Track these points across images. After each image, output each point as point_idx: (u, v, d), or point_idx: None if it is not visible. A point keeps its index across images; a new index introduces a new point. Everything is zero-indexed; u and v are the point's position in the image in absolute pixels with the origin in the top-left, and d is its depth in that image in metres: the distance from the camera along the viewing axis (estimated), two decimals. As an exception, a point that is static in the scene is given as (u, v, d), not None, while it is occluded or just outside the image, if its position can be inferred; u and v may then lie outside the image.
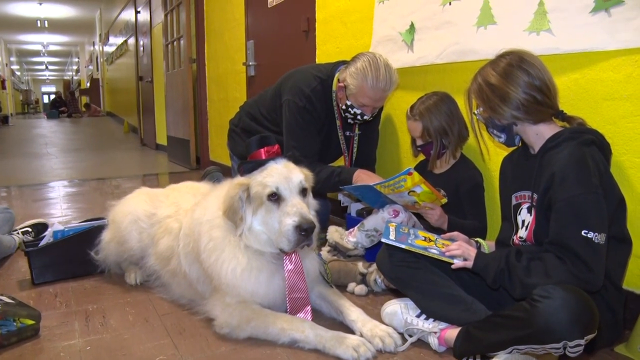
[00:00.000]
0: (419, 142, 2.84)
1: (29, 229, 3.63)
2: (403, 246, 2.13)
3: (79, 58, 32.75)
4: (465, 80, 2.88)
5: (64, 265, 2.88)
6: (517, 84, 1.99)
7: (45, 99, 45.23)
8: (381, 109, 3.40)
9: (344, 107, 3.11)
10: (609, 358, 2.02)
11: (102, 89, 22.89)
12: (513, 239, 2.13)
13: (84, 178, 6.72)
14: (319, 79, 3.23)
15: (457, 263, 2.04)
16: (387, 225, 2.32)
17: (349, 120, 3.20)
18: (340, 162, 3.56)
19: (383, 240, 2.16)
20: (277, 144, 2.27)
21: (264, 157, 2.21)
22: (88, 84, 26.36)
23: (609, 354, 2.04)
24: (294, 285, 2.20)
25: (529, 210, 2.04)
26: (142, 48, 10.73)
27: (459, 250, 2.06)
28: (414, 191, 2.57)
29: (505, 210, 2.24)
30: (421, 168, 3.00)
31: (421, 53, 3.19)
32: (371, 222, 2.80)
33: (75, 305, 2.56)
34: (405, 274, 2.19)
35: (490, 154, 2.76)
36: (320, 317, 2.34)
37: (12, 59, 31.62)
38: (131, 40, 12.27)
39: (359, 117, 3.10)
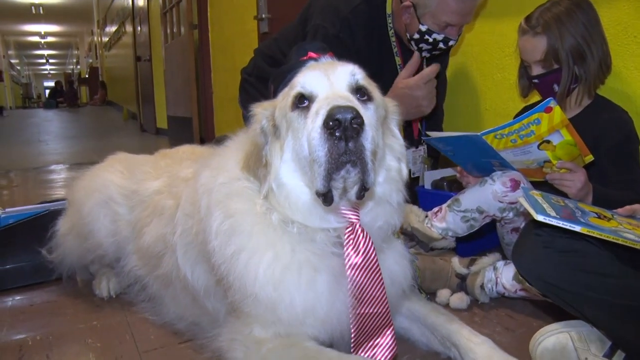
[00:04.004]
0: (537, 71, 1.84)
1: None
2: (577, 228, 1.18)
3: (78, 50, 31.82)
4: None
5: (2, 270, 1.94)
6: None
7: (48, 94, 44.55)
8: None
9: (416, 36, 2.14)
10: None
11: (101, 77, 21.95)
12: None
13: (75, 162, 5.80)
14: None
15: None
16: (528, 194, 1.36)
17: (424, 53, 2.21)
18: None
19: (540, 218, 1.20)
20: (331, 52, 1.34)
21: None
22: (87, 75, 25.46)
23: None
24: (363, 291, 1.20)
25: None
26: (139, 26, 9.81)
27: None
28: (548, 141, 1.60)
29: None
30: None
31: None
32: (471, 197, 1.81)
33: (8, 332, 1.62)
34: (578, 278, 1.21)
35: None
36: (412, 352, 1.39)
37: (11, 52, 30.64)
38: (128, 23, 11.40)
39: (441, 44, 2.15)
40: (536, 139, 1.61)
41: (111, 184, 1.82)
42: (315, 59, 1.29)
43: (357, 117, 1.01)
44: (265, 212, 1.22)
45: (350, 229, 1.18)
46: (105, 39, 17.81)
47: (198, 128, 6.49)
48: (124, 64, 13.51)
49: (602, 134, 1.79)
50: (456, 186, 2.16)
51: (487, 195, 1.77)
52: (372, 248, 1.19)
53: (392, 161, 1.25)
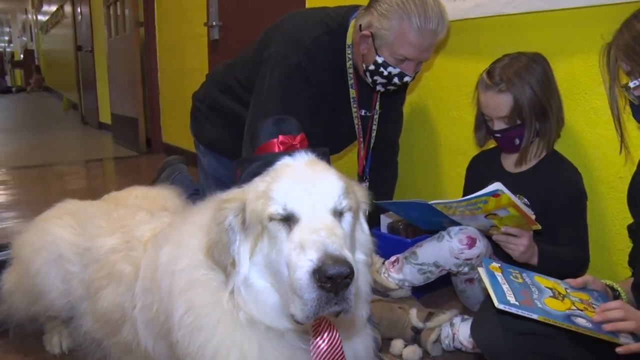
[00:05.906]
0: (500, 126, 1.89)
1: None
2: (534, 316, 1.24)
3: (10, 27, 29.90)
4: (557, 39, 1.99)
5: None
6: None
7: (-24, 73, 41.53)
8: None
9: (371, 67, 2.11)
10: None
11: (37, 61, 20.72)
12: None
13: (14, 166, 5.49)
14: (326, 26, 2.20)
15: (629, 345, 1.18)
16: (489, 269, 1.40)
17: (378, 87, 2.20)
18: (353, 151, 2.60)
19: (500, 306, 1.24)
20: (302, 132, 1.32)
21: (277, 150, 1.26)
22: (22, 56, 23.97)
23: None
24: None
25: None
26: (79, 13, 9.35)
27: (626, 323, 1.20)
28: (494, 214, 1.67)
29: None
30: (484, 163, 2.10)
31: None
32: (428, 252, 1.86)
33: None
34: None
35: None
36: None
37: None
38: (67, 7, 10.81)
39: (396, 79, 2.12)
40: (483, 213, 1.67)
41: (61, 241, 1.72)
42: (289, 152, 1.24)
43: (351, 273, 0.98)
44: (232, 309, 1.19)
45: (317, 321, 1.19)
46: (43, 19, 16.81)
47: (144, 130, 6.29)
48: (63, 48, 12.75)
49: (554, 189, 1.89)
50: (411, 229, 2.21)
51: (444, 252, 1.82)
52: (339, 339, 1.21)
53: (360, 255, 1.25)
